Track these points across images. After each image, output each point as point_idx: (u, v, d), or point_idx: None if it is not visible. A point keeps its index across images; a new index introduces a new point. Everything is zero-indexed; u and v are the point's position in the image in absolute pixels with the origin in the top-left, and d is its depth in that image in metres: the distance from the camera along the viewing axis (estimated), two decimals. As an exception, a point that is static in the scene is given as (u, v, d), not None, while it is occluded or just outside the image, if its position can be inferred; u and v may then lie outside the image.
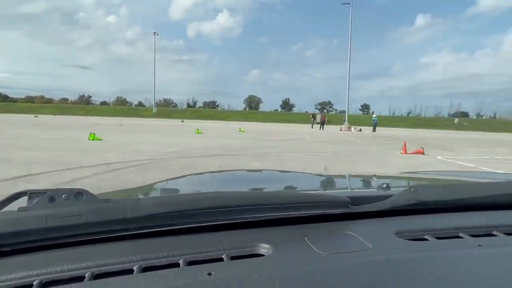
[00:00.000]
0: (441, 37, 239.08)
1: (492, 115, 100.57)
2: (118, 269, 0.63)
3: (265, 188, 1.56)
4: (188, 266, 0.64)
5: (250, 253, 0.70)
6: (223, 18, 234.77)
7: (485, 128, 58.08)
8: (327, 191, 1.34)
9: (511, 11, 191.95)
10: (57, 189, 0.72)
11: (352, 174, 3.55)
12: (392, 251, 0.70)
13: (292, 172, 2.48)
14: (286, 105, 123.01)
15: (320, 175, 1.97)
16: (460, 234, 0.80)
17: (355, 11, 60.58)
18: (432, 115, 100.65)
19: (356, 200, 0.90)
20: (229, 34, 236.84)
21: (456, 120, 65.55)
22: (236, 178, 1.94)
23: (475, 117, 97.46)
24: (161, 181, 1.68)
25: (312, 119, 44.12)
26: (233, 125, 39.03)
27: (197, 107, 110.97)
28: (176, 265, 0.64)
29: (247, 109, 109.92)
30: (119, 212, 0.71)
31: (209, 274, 0.59)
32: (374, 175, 2.14)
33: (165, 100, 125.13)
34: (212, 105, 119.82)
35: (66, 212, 0.68)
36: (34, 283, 0.59)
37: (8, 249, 0.68)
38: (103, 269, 0.63)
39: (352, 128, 37.46)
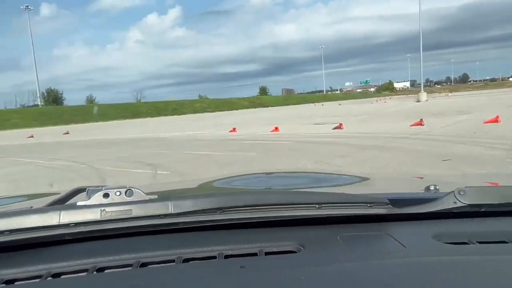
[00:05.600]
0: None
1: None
2: (162, 259, 0.70)
3: (300, 188, 1.57)
4: (224, 259, 0.69)
5: (284, 250, 0.73)
6: None
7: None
8: (364, 192, 1.33)
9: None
10: (111, 186, 0.80)
11: (395, 175, 3.53)
12: (426, 253, 0.70)
13: (331, 174, 2.51)
14: None
15: (357, 176, 1.93)
16: (505, 240, 0.76)
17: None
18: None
19: (397, 202, 0.87)
20: None
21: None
22: (273, 179, 2.00)
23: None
24: (206, 181, 1.82)
25: None
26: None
27: None
28: (213, 257, 0.70)
29: None
30: (163, 208, 0.76)
31: (242, 267, 0.64)
32: (421, 177, 2.00)
33: None
34: None
35: (118, 207, 0.75)
36: (90, 268, 0.67)
37: (69, 238, 0.76)
38: (148, 259, 0.70)
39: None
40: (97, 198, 0.76)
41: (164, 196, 0.81)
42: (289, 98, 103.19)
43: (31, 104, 73.09)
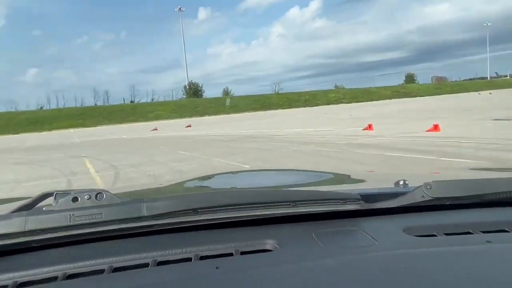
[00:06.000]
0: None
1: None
2: (135, 263, 0.68)
3: (275, 186, 1.55)
4: (199, 261, 0.68)
5: (259, 249, 0.73)
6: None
7: None
8: (338, 189, 1.25)
9: None
10: (80, 190, 0.77)
11: (366, 171, 3.39)
12: (396, 246, 0.70)
13: (303, 170, 2.40)
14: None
15: (332, 173, 1.87)
16: (470, 230, 0.78)
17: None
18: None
19: (369, 197, 0.89)
20: None
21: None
22: (248, 177, 2.05)
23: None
24: (178, 182, 1.84)
25: None
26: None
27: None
28: (188, 259, 0.68)
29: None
30: (136, 210, 0.74)
31: (217, 267, 0.63)
32: (390, 173, 2.17)
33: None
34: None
35: (88, 211, 0.72)
36: (59, 275, 0.64)
37: (36, 245, 0.73)
38: (121, 263, 0.67)
39: None
40: (66, 203, 0.74)
41: (137, 199, 0.78)
42: (442, 86, 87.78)
43: (180, 98, 79.92)
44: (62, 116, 55.86)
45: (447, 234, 0.77)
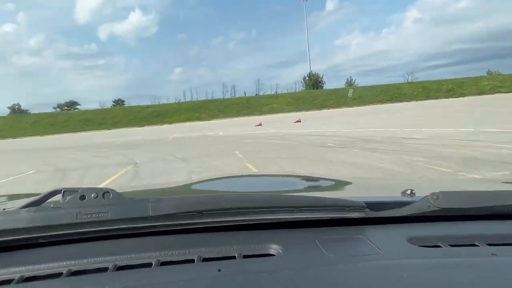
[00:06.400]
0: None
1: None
2: (138, 263, 0.68)
3: (280, 191, 1.55)
4: (202, 262, 0.68)
5: (261, 253, 0.72)
6: (136, 17, 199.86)
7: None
8: (343, 196, 1.15)
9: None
10: (88, 188, 0.77)
11: (372, 178, 3.27)
12: (400, 256, 0.70)
13: (308, 176, 2.36)
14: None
15: (338, 180, 1.77)
16: (476, 243, 0.77)
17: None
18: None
19: (374, 206, 0.88)
20: (145, 33, 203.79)
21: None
22: (252, 181, 1.99)
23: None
24: (184, 183, 1.77)
25: None
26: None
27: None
28: (191, 261, 0.69)
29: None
30: (141, 210, 0.74)
31: (219, 270, 0.63)
32: (395, 180, 2.26)
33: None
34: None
35: (94, 209, 0.73)
36: (64, 271, 0.66)
37: (43, 241, 0.75)
38: (125, 262, 0.68)
39: None
40: (73, 200, 0.75)
41: (142, 199, 0.79)
42: None
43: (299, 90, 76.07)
44: (181, 110, 57.71)
45: (452, 246, 0.75)
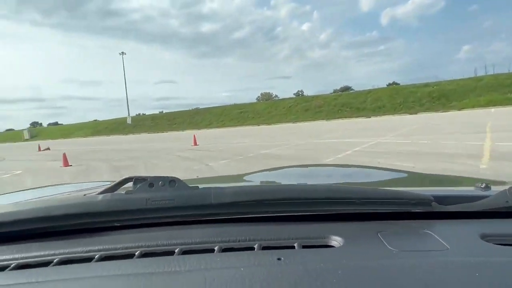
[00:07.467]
0: None
1: None
2: (201, 248, 0.71)
3: (342, 182, 1.52)
4: (262, 250, 0.69)
5: (321, 244, 0.72)
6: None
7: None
8: (409, 188, 1.10)
9: None
10: (156, 177, 0.82)
11: (443, 173, 2.61)
12: (472, 253, 0.66)
13: (374, 167, 2.13)
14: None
15: (401, 170, 1.74)
16: None
17: None
18: None
19: (443, 199, 0.84)
20: (429, 12, 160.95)
21: None
22: (314, 172, 2.00)
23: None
24: (245, 173, 1.80)
25: None
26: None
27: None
28: (251, 248, 0.70)
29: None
30: (204, 198, 0.78)
31: (279, 259, 0.64)
32: (471, 177, 1.99)
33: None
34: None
35: (161, 196, 0.78)
36: (136, 253, 0.70)
37: (118, 225, 0.82)
38: (189, 247, 0.72)
39: None
40: (143, 188, 0.80)
41: (206, 187, 0.83)
42: None
43: None
44: (479, 88, 37.78)
45: None
